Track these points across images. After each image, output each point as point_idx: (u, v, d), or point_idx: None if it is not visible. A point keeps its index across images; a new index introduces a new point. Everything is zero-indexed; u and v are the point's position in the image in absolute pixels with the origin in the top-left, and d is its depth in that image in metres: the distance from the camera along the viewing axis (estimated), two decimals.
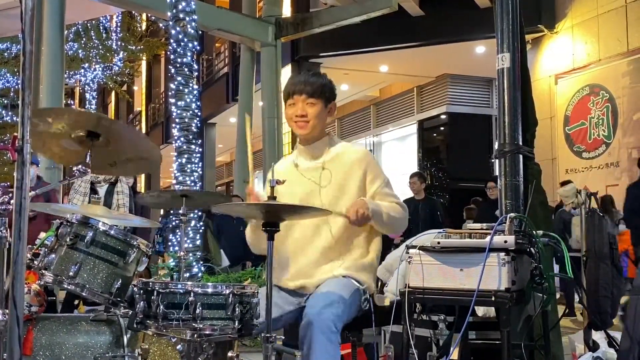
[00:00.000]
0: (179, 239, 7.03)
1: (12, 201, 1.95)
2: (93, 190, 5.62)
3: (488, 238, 2.60)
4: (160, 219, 10.00)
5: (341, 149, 2.93)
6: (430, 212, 8.76)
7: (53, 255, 2.61)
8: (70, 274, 2.57)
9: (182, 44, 7.44)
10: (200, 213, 7.61)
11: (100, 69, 19.79)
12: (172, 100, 7.48)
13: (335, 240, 2.81)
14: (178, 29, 7.47)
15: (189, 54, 7.47)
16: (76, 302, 5.68)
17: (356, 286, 2.75)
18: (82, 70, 19.67)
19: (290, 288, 2.83)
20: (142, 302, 2.35)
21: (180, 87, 7.37)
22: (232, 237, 9.16)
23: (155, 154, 2.78)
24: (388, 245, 3.92)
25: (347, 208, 2.74)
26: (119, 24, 19.28)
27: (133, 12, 18.29)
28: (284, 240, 2.90)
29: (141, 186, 23.02)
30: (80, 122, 2.56)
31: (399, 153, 15.12)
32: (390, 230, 2.89)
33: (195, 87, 7.61)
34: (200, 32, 8.57)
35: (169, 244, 7.53)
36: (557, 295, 4.28)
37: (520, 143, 3.51)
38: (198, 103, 7.53)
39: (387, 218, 2.78)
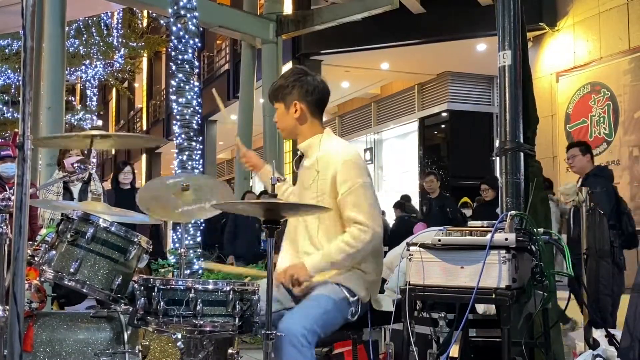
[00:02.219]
0: (179, 236, 7.03)
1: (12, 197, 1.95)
2: (66, 189, 5.59)
3: (489, 236, 2.60)
4: None
5: (328, 149, 2.84)
6: (441, 209, 8.83)
7: (54, 252, 2.61)
8: (71, 270, 2.57)
9: (183, 40, 7.43)
10: None
11: (101, 65, 19.80)
12: (173, 97, 7.48)
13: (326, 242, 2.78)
14: (179, 25, 7.47)
15: (189, 50, 7.46)
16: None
17: (343, 294, 2.70)
18: (83, 67, 19.69)
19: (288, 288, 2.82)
20: (142, 298, 2.35)
21: (181, 84, 7.37)
22: (248, 233, 9.13)
23: (157, 139, 2.80)
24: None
25: (283, 270, 2.68)
26: (119, 20, 19.28)
27: (134, 8, 18.27)
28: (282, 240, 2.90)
29: (141, 182, 23.03)
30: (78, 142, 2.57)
31: (399, 151, 15.11)
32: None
33: (196, 84, 7.61)
34: (201, 29, 8.56)
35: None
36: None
37: (521, 141, 3.51)
38: (199, 100, 7.53)
39: (336, 266, 2.69)
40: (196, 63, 7.68)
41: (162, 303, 2.30)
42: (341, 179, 2.72)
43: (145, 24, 22.46)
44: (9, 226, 2.13)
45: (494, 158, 11.70)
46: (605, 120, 9.35)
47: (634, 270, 3.39)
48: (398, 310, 2.78)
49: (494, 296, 2.56)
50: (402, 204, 11.03)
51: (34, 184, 5.67)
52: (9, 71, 17.48)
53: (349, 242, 2.67)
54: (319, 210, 2.58)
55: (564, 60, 10.09)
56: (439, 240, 2.72)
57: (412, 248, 2.78)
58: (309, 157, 2.90)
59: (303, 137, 2.93)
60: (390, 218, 11.34)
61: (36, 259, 2.65)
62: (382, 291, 4.08)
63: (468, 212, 9.59)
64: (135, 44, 19.70)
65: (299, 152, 3.01)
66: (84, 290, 2.62)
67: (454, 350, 3.20)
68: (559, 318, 3.28)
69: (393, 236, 9.43)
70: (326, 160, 2.79)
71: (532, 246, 2.73)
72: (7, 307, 1.89)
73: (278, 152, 10.96)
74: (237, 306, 2.34)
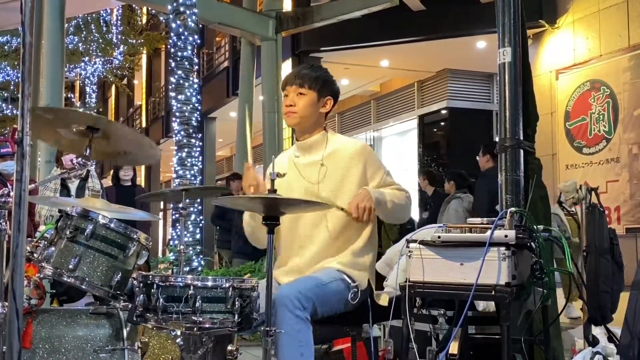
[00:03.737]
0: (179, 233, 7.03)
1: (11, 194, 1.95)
2: (64, 186, 5.58)
3: (488, 232, 2.60)
4: None
5: (339, 144, 2.91)
6: (432, 207, 8.95)
7: (53, 248, 2.61)
8: (70, 267, 2.57)
9: (182, 37, 7.44)
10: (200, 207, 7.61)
11: (101, 62, 19.81)
12: (173, 94, 7.49)
13: (333, 237, 2.81)
14: (178, 22, 7.47)
15: (189, 47, 7.47)
16: None
17: (342, 276, 2.74)
18: (83, 64, 19.69)
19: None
20: (141, 295, 2.35)
21: (181, 81, 7.38)
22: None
23: (154, 151, 2.78)
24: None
25: (349, 203, 2.73)
26: (119, 17, 19.28)
27: (133, 5, 18.26)
28: (282, 236, 2.90)
29: (141, 180, 23.01)
30: (80, 119, 2.56)
31: (399, 148, 15.11)
32: (396, 219, 2.89)
33: (196, 81, 7.61)
34: (200, 25, 8.56)
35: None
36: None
37: (521, 138, 3.51)
38: (198, 97, 7.54)
39: (392, 206, 2.79)
40: (195, 60, 7.69)
41: (161, 300, 2.29)
42: (372, 170, 2.85)
43: (144, 21, 22.44)
44: (7, 222, 2.12)
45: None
46: (605, 118, 9.34)
47: (633, 267, 3.39)
48: (397, 307, 2.79)
49: (493, 293, 2.56)
50: None
51: (33, 180, 5.67)
52: (8, 68, 17.49)
53: (403, 192, 2.87)
54: (320, 206, 2.58)
55: (564, 58, 10.08)
56: (439, 237, 2.72)
57: (411, 245, 2.78)
58: (312, 153, 2.91)
59: (309, 133, 2.93)
60: None
61: (35, 255, 2.64)
62: (381, 288, 4.09)
63: None
64: (134, 41, 19.70)
65: (293, 148, 3.00)
66: (83, 287, 2.61)
67: (454, 347, 3.21)
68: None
69: None
70: (339, 154, 2.86)
71: (532, 243, 2.73)
72: (6, 304, 1.88)
73: (278, 149, 10.95)
74: (237, 303, 2.34)
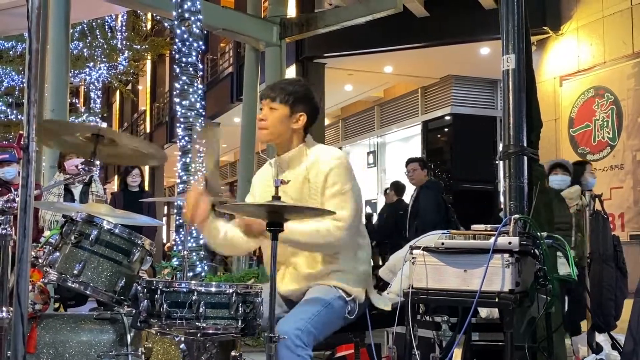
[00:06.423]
0: (182, 238, 7.04)
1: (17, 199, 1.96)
2: (67, 191, 5.59)
3: (492, 239, 2.60)
4: None
5: (317, 155, 2.80)
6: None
7: (57, 254, 2.62)
8: (75, 272, 2.58)
9: (187, 43, 7.45)
10: None
11: (105, 68, 19.86)
12: (177, 100, 7.50)
13: None
14: (183, 28, 7.48)
15: (193, 53, 7.48)
16: None
17: (339, 294, 2.69)
18: (87, 69, 19.75)
19: (282, 293, 2.80)
20: (145, 300, 2.35)
21: (185, 87, 7.39)
22: None
23: (160, 153, 2.80)
24: None
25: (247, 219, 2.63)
26: (124, 23, 19.35)
27: (138, 11, 18.32)
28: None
29: (144, 185, 22.99)
30: (84, 129, 2.58)
31: (403, 154, 15.10)
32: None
33: (200, 86, 7.62)
34: (205, 31, 8.58)
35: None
36: None
37: (525, 144, 3.51)
38: (202, 102, 7.55)
39: (294, 243, 2.65)
40: (200, 66, 7.70)
41: (165, 305, 2.30)
42: (332, 180, 2.70)
43: (149, 27, 22.51)
44: (13, 228, 2.13)
45: (497, 162, 11.70)
46: (609, 125, 9.33)
47: (637, 274, 3.38)
48: (401, 313, 2.78)
49: (497, 300, 2.56)
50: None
51: (38, 185, 5.69)
52: (13, 73, 17.54)
53: (321, 231, 2.62)
54: (324, 213, 2.57)
55: (568, 64, 10.07)
56: (442, 243, 2.72)
57: (415, 251, 2.78)
58: (293, 168, 2.82)
59: (286, 148, 2.85)
60: None
61: (40, 260, 2.65)
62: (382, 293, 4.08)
63: None
64: (139, 47, 19.77)
65: (274, 163, 2.92)
66: (87, 292, 2.62)
67: (457, 354, 3.20)
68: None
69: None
70: (317, 166, 2.76)
71: (536, 250, 2.73)
72: (11, 309, 1.89)
73: None
74: (240, 309, 2.34)
